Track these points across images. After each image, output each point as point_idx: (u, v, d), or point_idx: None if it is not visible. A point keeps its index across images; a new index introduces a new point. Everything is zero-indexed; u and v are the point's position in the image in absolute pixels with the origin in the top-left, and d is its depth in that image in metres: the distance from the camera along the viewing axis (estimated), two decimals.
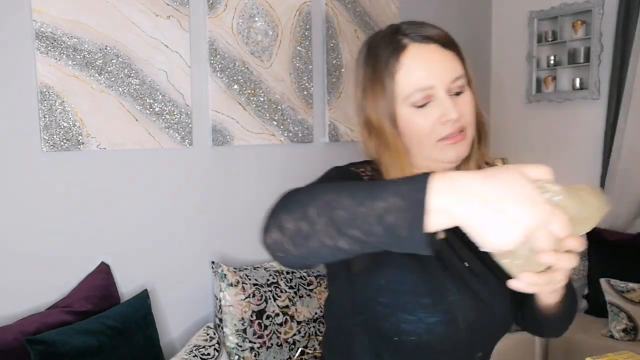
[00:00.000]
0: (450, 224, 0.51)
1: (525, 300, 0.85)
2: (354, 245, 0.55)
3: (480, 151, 0.88)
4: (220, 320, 1.77)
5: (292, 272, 1.94)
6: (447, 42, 0.81)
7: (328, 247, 0.56)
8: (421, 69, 0.78)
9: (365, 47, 0.84)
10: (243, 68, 1.92)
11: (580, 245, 0.56)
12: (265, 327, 1.78)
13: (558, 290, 0.72)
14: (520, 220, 0.49)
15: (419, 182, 0.52)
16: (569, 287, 0.81)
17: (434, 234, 0.52)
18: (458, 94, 0.80)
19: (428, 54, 0.79)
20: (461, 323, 0.78)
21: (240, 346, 1.73)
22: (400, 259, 0.76)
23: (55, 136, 1.50)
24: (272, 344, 1.79)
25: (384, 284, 0.78)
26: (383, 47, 0.81)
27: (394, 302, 0.77)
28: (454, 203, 0.51)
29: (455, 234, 0.79)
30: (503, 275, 0.68)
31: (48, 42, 1.47)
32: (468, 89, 0.82)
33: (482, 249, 0.52)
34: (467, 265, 0.83)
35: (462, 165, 0.84)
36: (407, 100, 0.79)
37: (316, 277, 1.98)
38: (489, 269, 0.83)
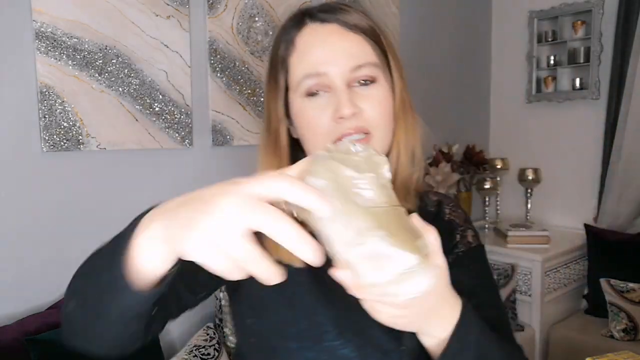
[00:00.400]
0: (168, 257, 0.44)
1: None
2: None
3: (408, 170, 0.70)
4: (220, 320, 1.77)
5: None
6: (356, 24, 0.67)
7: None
8: (313, 53, 0.65)
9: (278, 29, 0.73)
10: (243, 68, 1.92)
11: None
12: None
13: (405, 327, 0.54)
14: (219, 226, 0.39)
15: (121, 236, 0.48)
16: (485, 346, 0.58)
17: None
18: (366, 84, 0.66)
19: (325, 35, 0.66)
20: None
21: None
22: (266, 297, 0.66)
23: (55, 136, 1.50)
24: None
25: (250, 324, 0.68)
26: (284, 28, 0.70)
27: (261, 345, 0.67)
28: (152, 236, 0.45)
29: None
30: None
31: (48, 42, 1.47)
32: (384, 84, 0.68)
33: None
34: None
35: None
36: (298, 89, 0.66)
37: None
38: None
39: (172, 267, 0.46)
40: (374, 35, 0.68)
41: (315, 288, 0.66)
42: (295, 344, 0.64)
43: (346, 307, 0.60)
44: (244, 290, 0.69)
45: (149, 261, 0.45)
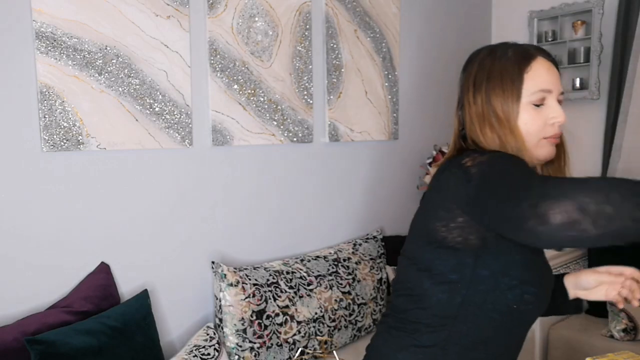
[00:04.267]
0: None
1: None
2: None
3: (565, 155, 1.09)
4: (220, 320, 1.77)
5: (292, 272, 1.94)
6: (556, 64, 1.02)
7: (633, 229, 0.66)
8: (545, 75, 0.97)
9: (486, 52, 1.00)
10: (243, 68, 1.92)
11: None
12: (265, 327, 1.78)
13: None
14: None
15: None
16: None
17: None
18: (559, 104, 1.00)
19: (550, 67, 0.99)
20: (547, 296, 0.97)
21: (240, 346, 1.73)
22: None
23: (55, 136, 1.50)
24: (272, 344, 1.79)
25: (518, 259, 0.90)
26: (513, 53, 0.97)
27: (522, 275, 0.90)
28: None
29: None
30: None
31: (48, 42, 1.47)
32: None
33: None
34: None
35: (555, 162, 1.05)
36: (528, 98, 0.96)
37: (316, 277, 1.98)
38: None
39: None
40: (559, 72, 1.03)
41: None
42: (538, 273, 0.95)
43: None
44: None
45: None
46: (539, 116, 0.97)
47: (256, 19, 1.95)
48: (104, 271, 1.61)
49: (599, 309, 2.38)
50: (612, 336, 2.21)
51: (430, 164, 2.53)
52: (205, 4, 1.81)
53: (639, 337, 2.17)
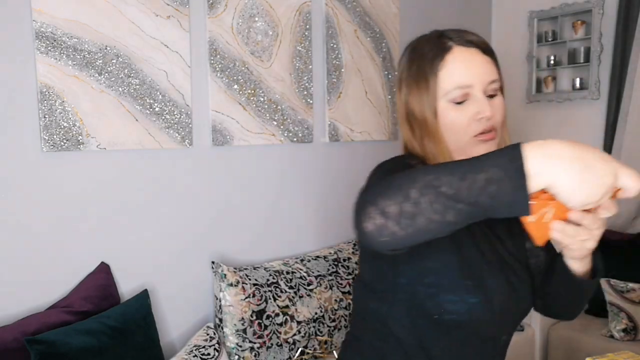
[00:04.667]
0: (543, 185, 0.59)
1: (551, 274, 0.91)
2: (460, 217, 0.61)
3: None
4: (220, 320, 1.77)
5: (292, 272, 1.94)
6: (486, 49, 0.91)
7: (436, 223, 0.61)
8: (462, 69, 0.87)
9: (409, 48, 0.93)
10: (243, 68, 1.92)
11: (610, 211, 0.65)
12: (265, 327, 1.78)
13: (585, 253, 0.78)
14: (604, 178, 0.57)
15: (513, 151, 0.59)
16: (597, 267, 0.86)
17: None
18: (492, 96, 0.89)
19: (469, 56, 0.88)
20: (496, 306, 0.84)
21: (240, 346, 1.73)
22: (444, 244, 0.80)
23: (55, 136, 1.50)
24: (272, 344, 1.79)
25: (430, 265, 0.83)
26: (429, 48, 0.89)
27: (439, 283, 0.83)
28: (547, 165, 0.58)
29: (489, 227, 0.92)
30: (526, 265, 0.90)
31: (48, 42, 1.47)
32: (500, 94, 0.91)
33: (570, 207, 0.61)
34: (499, 252, 0.91)
35: None
36: (446, 96, 0.87)
37: (316, 277, 1.98)
38: (515, 258, 0.91)
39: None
40: (494, 57, 0.92)
41: (472, 240, 0.86)
42: (470, 281, 0.82)
43: (490, 254, 0.87)
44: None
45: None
46: (463, 113, 0.87)
47: (256, 19, 1.95)
48: (104, 271, 1.61)
49: (599, 309, 2.38)
50: (612, 336, 2.21)
51: None
52: (205, 4, 1.81)
53: (639, 337, 2.17)
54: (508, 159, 0.59)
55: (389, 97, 2.47)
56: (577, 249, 0.74)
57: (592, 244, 0.72)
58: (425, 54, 0.89)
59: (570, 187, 0.58)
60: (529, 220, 0.65)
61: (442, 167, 0.63)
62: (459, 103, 0.87)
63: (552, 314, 0.99)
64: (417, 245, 0.73)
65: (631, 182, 0.59)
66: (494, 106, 0.88)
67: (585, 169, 0.57)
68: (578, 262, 0.82)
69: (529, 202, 0.58)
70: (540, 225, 0.66)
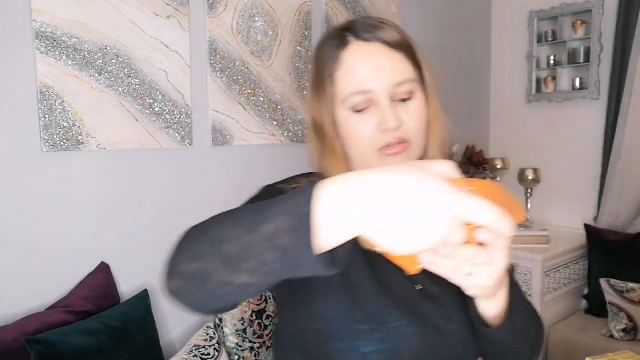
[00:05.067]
0: (347, 236, 0.45)
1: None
2: (256, 278, 0.48)
3: None
4: (220, 320, 1.77)
5: None
6: (396, 43, 0.72)
7: (228, 286, 0.49)
8: (360, 70, 0.71)
9: (319, 44, 0.78)
10: (243, 68, 1.92)
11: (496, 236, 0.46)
12: (265, 327, 1.78)
13: (486, 291, 0.59)
14: (432, 219, 0.42)
15: (304, 194, 0.45)
16: (520, 304, 0.71)
17: (341, 247, 0.47)
18: (405, 100, 0.73)
19: (369, 55, 0.71)
20: (405, 353, 0.68)
21: (240, 346, 1.73)
22: (333, 282, 0.69)
23: (55, 136, 1.50)
24: (272, 344, 1.79)
25: (316, 309, 0.70)
26: (328, 45, 0.74)
27: (326, 329, 0.69)
28: (349, 210, 0.43)
29: None
30: (465, 299, 0.69)
31: (48, 42, 1.47)
32: (421, 96, 0.75)
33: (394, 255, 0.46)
34: (418, 287, 0.74)
35: None
36: (345, 103, 0.72)
37: None
38: (446, 291, 0.74)
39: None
40: (410, 52, 0.74)
41: (374, 276, 0.73)
42: (364, 325, 0.69)
43: (403, 293, 0.72)
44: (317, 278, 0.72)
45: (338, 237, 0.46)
46: (365, 123, 0.71)
47: (256, 19, 1.95)
48: (104, 271, 1.61)
49: (599, 309, 2.38)
50: (612, 336, 2.21)
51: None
52: (205, 4, 1.81)
53: (639, 337, 2.17)
54: (298, 203, 0.45)
55: None
56: (471, 286, 0.53)
57: (484, 280, 0.51)
58: (323, 53, 0.74)
59: (387, 235, 0.43)
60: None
61: (239, 213, 0.51)
62: (360, 111, 0.72)
63: None
64: (299, 285, 0.64)
65: (479, 214, 0.43)
66: (407, 113, 0.72)
67: (404, 209, 0.42)
68: (485, 301, 0.66)
69: (327, 260, 0.45)
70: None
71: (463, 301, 0.74)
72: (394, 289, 0.73)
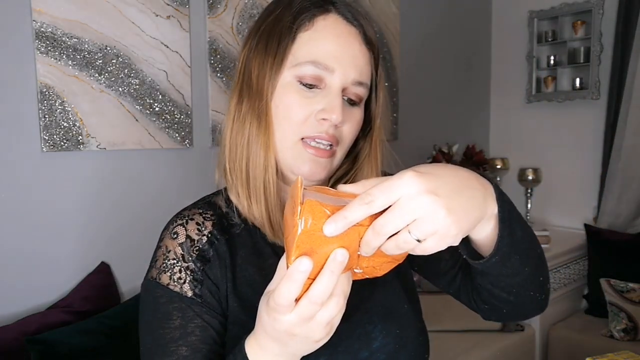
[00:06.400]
0: None
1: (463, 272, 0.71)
2: None
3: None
4: None
5: None
6: (371, 41, 0.67)
7: None
8: (331, 44, 0.63)
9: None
10: None
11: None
12: None
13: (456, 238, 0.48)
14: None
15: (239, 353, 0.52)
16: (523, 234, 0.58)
17: None
18: (353, 103, 0.66)
19: (346, 35, 0.64)
20: None
21: None
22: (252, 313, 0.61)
23: (55, 136, 1.50)
24: None
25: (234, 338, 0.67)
26: (303, 1, 0.66)
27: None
28: None
29: None
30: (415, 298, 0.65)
31: (48, 42, 1.47)
32: (362, 104, 0.67)
33: None
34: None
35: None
36: (295, 69, 0.63)
37: None
38: (364, 303, 0.67)
39: None
40: (377, 60, 0.68)
41: None
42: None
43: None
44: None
45: None
46: (307, 102, 0.62)
47: (256, 18, 1.95)
48: (104, 271, 1.61)
49: (599, 309, 2.38)
50: (612, 336, 2.21)
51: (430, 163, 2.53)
52: (205, 4, 1.81)
53: (639, 337, 2.17)
54: None
55: (389, 97, 2.47)
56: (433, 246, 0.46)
57: (436, 241, 0.45)
58: (294, 6, 0.65)
59: None
60: (298, 233, 0.43)
61: None
62: (307, 86, 0.63)
63: (503, 316, 0.71)
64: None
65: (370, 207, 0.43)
66: (347, 115, 0.64)
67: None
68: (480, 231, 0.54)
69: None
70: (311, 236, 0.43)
71: (391, 305, 0.68)
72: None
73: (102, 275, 1.60)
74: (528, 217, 2.86)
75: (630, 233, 2.46)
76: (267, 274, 0.66)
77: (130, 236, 1.69)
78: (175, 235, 0.69)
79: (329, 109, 0.62)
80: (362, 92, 0.66)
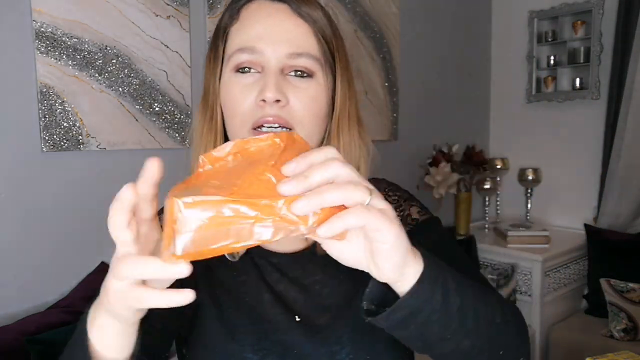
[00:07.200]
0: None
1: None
2: None
3: None
4: None
5: None
6: (307, 12, 0.62)
7: None
8: (255, 26, 0.61)
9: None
10: None
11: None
12: None
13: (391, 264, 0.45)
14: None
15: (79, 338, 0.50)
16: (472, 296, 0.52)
17: None
18: (301, 76, 0.61)
19: (269, 13, 0.61)
20: None
21: None
22: (211, 312, 0.65)
23: (55, 136, 1.50)
24: None
25: (201, 346, 0.66)
26: (232, 2, 0.66)
27: None
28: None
29: (283, 272, 0.66)
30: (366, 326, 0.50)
31: (48, 42, 1.47)
32: (322, 81, 0.63)
33: None
34: (298, 319, 0.64)
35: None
36: (230, 62, 0.62)
37: None
38: (337, 320, 0.64)
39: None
40: (323, 31, 0.63)
41: (246, 307, 0.67)
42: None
43: (275, 327, 0.64)
44: (199, 330, 0.67)
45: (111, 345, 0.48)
46: (246, 89, 0.61)
47: None
48: (104, 271, 1.60)
49: (599, 309, 2.38)
50: (612, 336, 2.21)
51: (430, 164, 2.53)
52: (205, 4, 1.81)
53: (639, 337, 2.17)
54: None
55: (389, 97, 2.47)
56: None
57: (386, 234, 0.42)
58: (226, 9, 0.66)
59: None
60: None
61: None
62: (243, 73, 0.61)
63: None
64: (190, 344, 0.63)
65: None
66: (295, 90, 0.60)
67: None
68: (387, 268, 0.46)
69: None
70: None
71: (366, 327, 0.55)
72: (268, 327, 0.64)
73: (102, 275, 1.59)
74: (528, 217, 2.86)
75: (630, 233, 2.46)
76: (238, 275, 0.67)
77: None
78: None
79: (263, 89, 0.58)
80: (306, 63, 0.61)
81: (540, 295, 2.36)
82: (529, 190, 2.83)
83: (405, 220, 0.71)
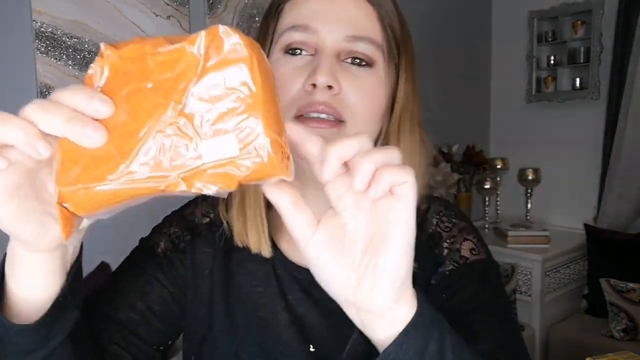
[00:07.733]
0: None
1: None
2: None
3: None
4: None
5: None
6: None
7: None
8: (311, 3, 0.54)
9: None
10: None
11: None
12: None
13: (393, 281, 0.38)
14: None
15: None
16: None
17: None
18: (360, 64, 0.54)
19: None
20: None
21: None
22: (223, 338, 0.61)
23: None
24: None
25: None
26: None
27: None
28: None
29: (302, 306, 0.59)
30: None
31: (48, 42, 1.48)
32: (383, 73, 0.55)
33: None
34: (312, 349, 0.58)
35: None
36: (280, 42, 0.55)
37: None
38: (350, 354, 0.57)
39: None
40: (389, 17, 0.56)
41: (258, 331, 0.62)
42: None
43: (288, 356, 0.58)
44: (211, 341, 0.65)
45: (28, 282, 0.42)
46: (295, 71, 0.53)
47: (256, 18, 1.95)
48: (104, 271, 1.61)
49: (599, 309, 2.38)
50: (612, 336, 2.21)
51: (430, 163, 2.53)
52: (205, 4, 1.81)
53: (639, 337, 2.17)
54: None
55: None
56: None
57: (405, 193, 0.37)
58: None
59: None
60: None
61: None
62: (293, 54, 0.54)
63: None
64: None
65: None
66: (352, 78, 0.53)
67: None
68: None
69: None
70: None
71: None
72: (277, 349, 0.58)
73: (102, 275, 1.60)
74: (528, 217, 2.86)
75: (630, 233, 2.46)
76: (258, 285, 0.62)
77: (130, 236, 1.68)
78: (180, 212, 0.73)
79: (314, 72, 0.51)
80: (366, 49, 0.53)
81: (540, 295, 2.36)
82: (529, 190, 2.83)
83: (451, 257, 0.62)
